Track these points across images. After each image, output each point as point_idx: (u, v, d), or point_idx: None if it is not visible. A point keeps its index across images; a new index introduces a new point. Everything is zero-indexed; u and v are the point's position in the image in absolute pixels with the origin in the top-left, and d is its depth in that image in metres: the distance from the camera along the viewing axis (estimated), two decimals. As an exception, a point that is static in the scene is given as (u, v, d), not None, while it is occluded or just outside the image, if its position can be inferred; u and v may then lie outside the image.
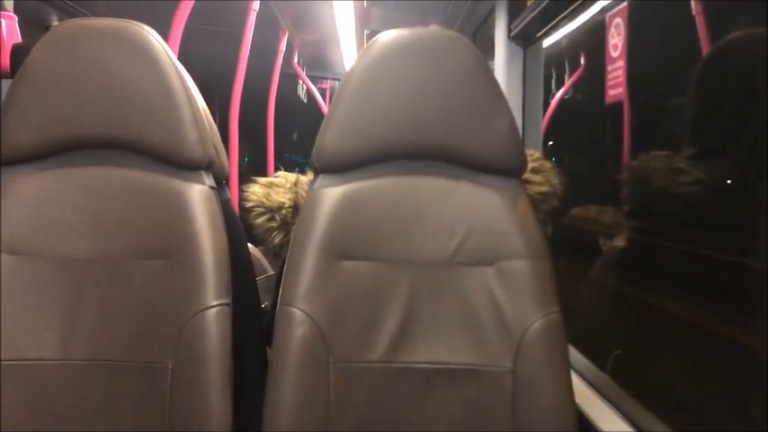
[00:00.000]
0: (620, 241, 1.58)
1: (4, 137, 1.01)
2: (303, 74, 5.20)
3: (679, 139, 1.20)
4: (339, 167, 1.04)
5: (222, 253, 0.99)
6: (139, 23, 1.04)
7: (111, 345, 0.97)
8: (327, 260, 0.99)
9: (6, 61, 1.31)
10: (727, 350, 1.04)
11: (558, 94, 3.99)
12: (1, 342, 0.95)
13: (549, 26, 1.66)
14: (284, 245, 1.12)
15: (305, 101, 5.55)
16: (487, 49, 1.95)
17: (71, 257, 1.00)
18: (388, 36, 1.04)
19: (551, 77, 3.95)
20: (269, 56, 4.06)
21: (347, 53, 4.27)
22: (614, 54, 1.47)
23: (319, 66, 5.34)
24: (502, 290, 0.98)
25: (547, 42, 1.89)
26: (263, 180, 1.20)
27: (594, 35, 1.97)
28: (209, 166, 1.05)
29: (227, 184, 1.25)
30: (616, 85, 1.47)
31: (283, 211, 1.15)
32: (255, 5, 3.12)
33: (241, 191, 1.20)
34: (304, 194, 1.14)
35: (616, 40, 1.46)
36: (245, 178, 1.27)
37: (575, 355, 1.48)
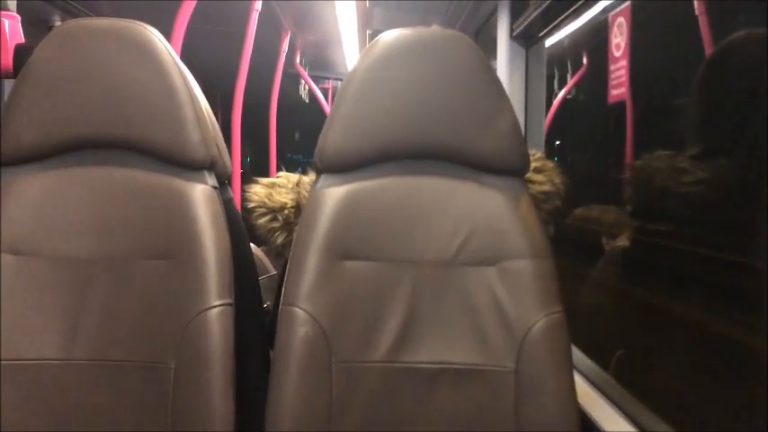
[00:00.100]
0: (622, 241, 1.57)
1: (8, 137, 1.02)
2: (305, 74, 5.21)
3: (682, 139, 1.20)
4: (341, 167, 1.04)
5: (225, 253, 1.00)
6: (142, 23, 1.04)
7: (113, 345, 0.97)
8: (330, 260, 0.99)
9: (9, 61, 1.31)
10: (730, 350, 1.03)
11: (561, 94, 3.99)
12: (3, 342, 0.95)
13: (551, 26, 1.66)
14: (286, 245, 1.13)
15: (307, 101, 5.56)
16: (490, 48, 1.95)
17: (74, 257, 1.00)
18: (390, 36, 1.04)
19: (554, 77, 3.95)
20: (271, 56, 4.07)
21: (349, 53, 4.27)
22: (617, 54, 1.47)
23: (321, 66, 5.35)
24: (504, 290, 0.98)
25: (549, 42, 1.88)
26: (264, 180, 1.20)
27: (597, 35, 1.97)
28: (211, 165, 1.05)
29: (230, 183, 1.26)
30: (619, 84, 1.47)
31: (286, 212, 1.15)
32: (258, 5, 3.12)
33: (243, 191, 1.20)
34: (306, 195, 1.14)
35: (618, 40, 1.46)
36: (247, 178, 1.28)
37: (577, 355, 1.47)
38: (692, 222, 1.16)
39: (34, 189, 1.02)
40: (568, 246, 1.80)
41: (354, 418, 0.97)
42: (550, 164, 1.20)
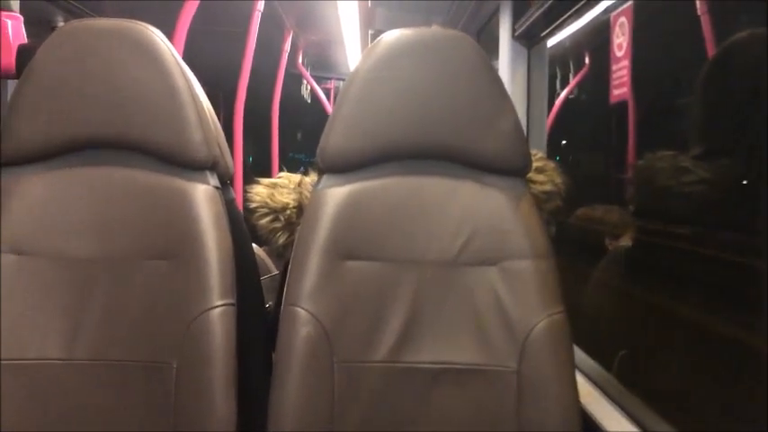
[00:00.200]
0: (625, 241, 1.57)
1: (10, 137, 1.02)
2: (307, 74, 5.21)
3: (684, 139, 1.20)
4: (343, 167, 1.04)
5: (227, 253, 1.00)
6: (144, 24, 1.04)
7: (115, 345, 0.97)
8: (332, 260, 0.99)
9: (12, 62, 1.31)
10: (733, 350, 1.03)
11: (563, 94, 3.98)
12: (4, 342, 0.95)
13: (553, 26, 1.65)
14: (288, 245, 1.13)
15: (309, 101, 5.56)
16: (492, 48, 1.95)
17: (76, 257, 1.00)
18: (392, 36, 1.04)
19: (556, 77, 3.95)
20: (274, 56, 4.07)
21: (351, 53, 4.27)
22: (619, 54, 1.47)
23: (324, 66, 5.36)
24: (506, 290, 0.98)
25: (551, 42, 1.88)
26: (266, 181, 1.20)
27: (599, 35, 1.97)
28: (213, 165, 1.06)
29: (232, 183, 1.26)
30: (621, 84, 1.47)
31: (287, 212, 1.16)
32: (260, 6, 3.13)
33: (245, 191, 1.20)
34: (308, 195, 1.14)
35: (621, 40, 1.46)
36: (249, 178, 1.28)
37: (580, 355, 1.47)
38: (695, 222, 1.16)
39: (37, 189, 1.02)
40: (571, 246, 1.80)
41: (356, 417, 0.97)
42: (551, 163, 1.20)
